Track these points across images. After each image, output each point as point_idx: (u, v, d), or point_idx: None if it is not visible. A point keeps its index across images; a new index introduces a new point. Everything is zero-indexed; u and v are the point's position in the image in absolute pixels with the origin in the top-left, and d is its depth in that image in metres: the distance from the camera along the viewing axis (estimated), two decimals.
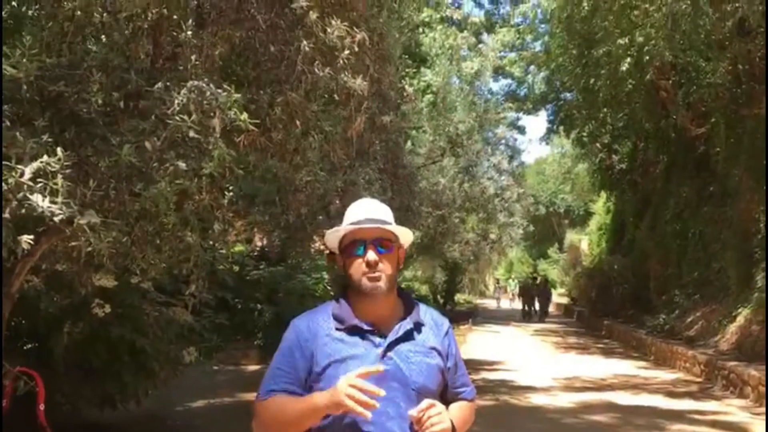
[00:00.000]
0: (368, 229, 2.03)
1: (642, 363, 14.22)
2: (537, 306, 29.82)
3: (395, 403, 1.95)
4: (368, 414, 1.82)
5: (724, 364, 11.01)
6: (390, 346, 2.02)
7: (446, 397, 2.12)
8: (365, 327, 2.02)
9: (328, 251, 2.30)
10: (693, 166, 17.03)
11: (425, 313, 2.15)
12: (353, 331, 2.02)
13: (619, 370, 12.98)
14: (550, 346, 17.94)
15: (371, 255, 2.00)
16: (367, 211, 2.09)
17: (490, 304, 40.96)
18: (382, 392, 1.84)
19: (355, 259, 2.03)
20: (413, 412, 1.91)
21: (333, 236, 2.11)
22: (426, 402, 1.93)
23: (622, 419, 8.40)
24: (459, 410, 2.13)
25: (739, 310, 12.91)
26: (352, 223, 2.06)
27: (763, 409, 9.04)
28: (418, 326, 2.08)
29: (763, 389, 9.32)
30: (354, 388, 1.82)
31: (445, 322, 2.19)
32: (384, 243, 2.04)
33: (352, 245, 2.05)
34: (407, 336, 2.05)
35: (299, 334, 2.06)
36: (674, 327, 15.53)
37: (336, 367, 1.97)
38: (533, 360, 14.50)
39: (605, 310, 22.14)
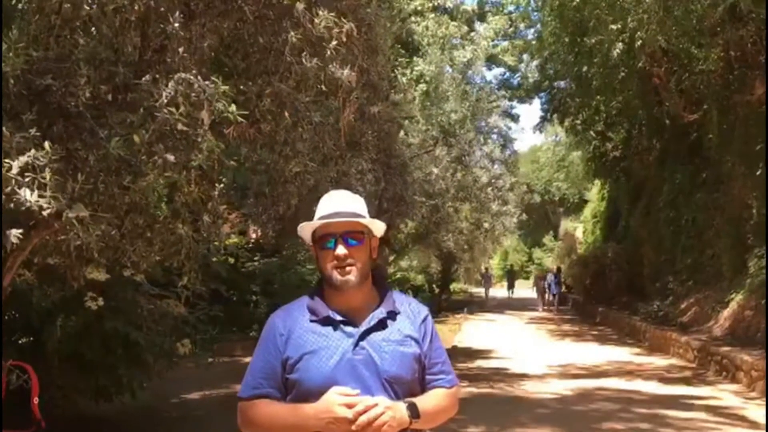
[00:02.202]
0: (338, 224, 2.05)
1: (636, 349, 14.30)
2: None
3: (369, 393, 1.95)
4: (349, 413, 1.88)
5: (717, 349, 11.08)
6: (363, 336, 2.02)
7: (423, 384, 2.11)
8: (337, 318, 2.04)
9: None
10: (686, 152, 17.08)
11: (402, 301, 2.15)
12: (326, 322, 2.04)
13: (613, 356, 13.06)
14: (545, 333, 18.03)
15: (341, 250, 2.03)
16: (337, 204, 2.10)
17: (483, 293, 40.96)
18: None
19: (326, 253, 2.05)
20: (348, 414, 1.88)
21: (305, 230, 2.13)
22: (363, 404, 1.90)
23: (616, 406, 8.46)
24: (432, 397, 2.09)
25: (732, 296, 12.99)
26: (321, 218, 2.08)
27: (755, 394, 9.12)
28: (392, 315, 2.09)
29: (755, 374, 9.39)
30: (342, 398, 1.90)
31: (423, 310, 2.18)
32: (355, 236, 2.06)
33: (323, 239, 2.07)
34: (380, 325, 2.05)
35: (275, 328, 2.09)
36: (668, 313, 15.62)
37: (308, 358, 2.00)
38: (528, 348, 14.57)
39: (599, 298, 22.26)
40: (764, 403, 8.52)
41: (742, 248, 13.24)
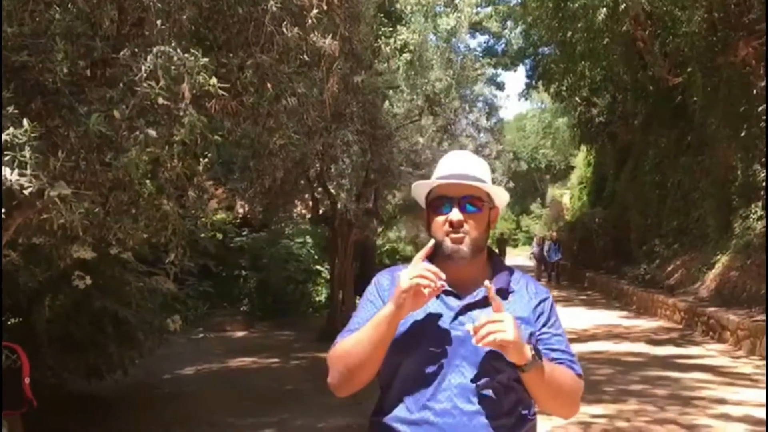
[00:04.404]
0: (456, 186, 1.84)
1: (624, 312, 14.47)
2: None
3: (460, 373, 1.76)
4: (438, 284, 1.71)
5: (704, 310, 11.22)
6: (464, 310, 1.82)
7: None
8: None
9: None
10: (671, 116, 17.11)
11: (519, 281, 1.92)
12: None
13: (601, 320, 13.20)
14: None
15: (455, 215, 1.81)
16: (459, 165, 1.89)
17: None
18: (443, 275, 1.72)
19: (440, 217, 1.85)
20: (469, 326, 1.69)
21: (419, 190, 1.94)
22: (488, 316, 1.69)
23: (607, 368, 8.56)
24: (559, 368, 1.84)
25: (718, 257, 13.12)
26: (440, 178, 1.88)
27: (742, 353, 9.27)
28: (503, 293, 1.85)
29: (742, 333, 9.53)
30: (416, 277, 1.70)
31: (543, 293, 1.92)
32: (473, 202, 1.85)
33: (438, 202, 1.86)
34: (487, 302, 1.78)
35: (378, 287, 1.93)
36: (655, 276, 15.78)
37: (403, 324, 1.80)
38: None
39: (587, 263, 22.43)
40: (751, 361, 8.67)
41: (728, 209, 13.36)
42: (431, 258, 1.87)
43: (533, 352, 1.71)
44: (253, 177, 5.32)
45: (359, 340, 1.80)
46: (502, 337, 1.64)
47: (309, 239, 14.74)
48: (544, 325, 1.87)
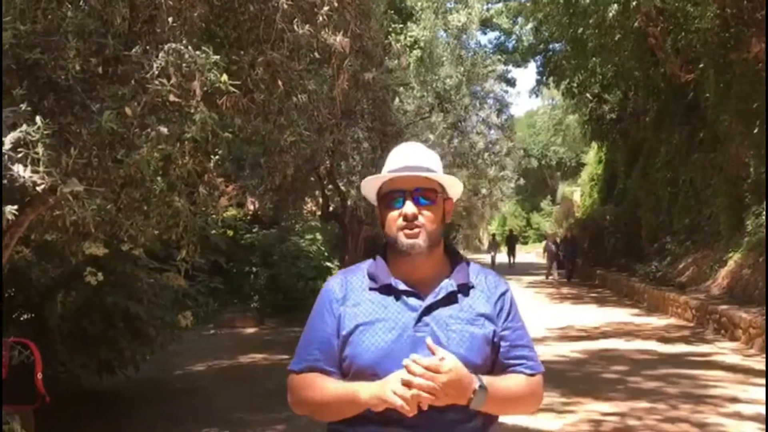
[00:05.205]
0: (408, 178, 1.78)
1: (635, 310, 14.41)
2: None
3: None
4: (410, 410, 1.60)
5: (716, 308, 11.16)
6: (427, 311, 1.76)
7: (495, 370, 1.80)
8: (401, 287, 1.78)
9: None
10: (683, 113, 17.03)
11: (477, 274, 1.87)
12: (387, 291, 1.79)
13: (612, 318, 13.15)
14: (544, 297, 18.12)
15: (409, 207, 1.76)
16: (408, 157, 1.83)
17: (484, 258, 41.02)
18: (428, 398, 1.60)
19: (393, 212, 1.79)
20: (407, 362, 1.61)
21: (369, 185, 1.88)
22: (427, 360, 1.61)
23: (618, 366, 8.54)
24: (507, 379, 1.79)
25: (730, 255, 13.05)
26: (390, 171, 1.82)
27: (754, 351, 9.22)
28: (464, 289, 1.81)
29: (754, 331, 9.48)
30: (405, 387, 1.60)
31: (501, 285, 1.88)
32: (426, 194, 1.79)
33: (390, 196, 1.80)
34: (449, 300, 1.78)
35: (331, 294, 1.85)
36: (666, 274, 15.70)
37: (363, 330, 1.75)
38: (528, 311, 14.62)
39: (598, 260, 22.35)
40: (763, 359, 8.62)
41: (740, 207, 13.28)
42: (386, 255, 1.85)
43: (478, 384, 1.66)
44: (264, 174, 5.34)
45: (326, 402, 1.76)
46: (428, 398, 1.59)
47: (319, 236, 14.77)
48: (505, 320, 1.83)
